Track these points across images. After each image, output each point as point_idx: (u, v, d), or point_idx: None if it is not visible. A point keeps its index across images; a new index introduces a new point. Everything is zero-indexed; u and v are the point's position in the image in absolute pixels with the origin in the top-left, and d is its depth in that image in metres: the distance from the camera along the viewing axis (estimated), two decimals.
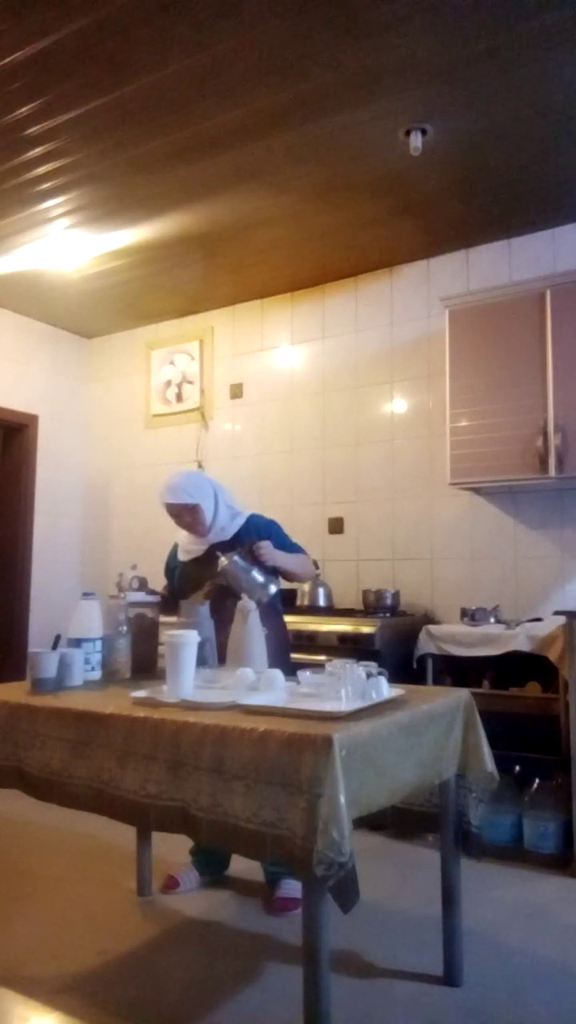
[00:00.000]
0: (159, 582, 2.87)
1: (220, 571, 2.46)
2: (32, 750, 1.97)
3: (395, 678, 2.09)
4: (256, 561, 2.52)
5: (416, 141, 2.98)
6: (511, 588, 3.75)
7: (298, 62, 2.58)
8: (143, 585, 2.68)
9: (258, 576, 2.46)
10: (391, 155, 3.14)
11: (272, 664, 2.21)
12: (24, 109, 2.83)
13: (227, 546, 2.62)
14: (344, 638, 3.57)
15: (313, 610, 3.93)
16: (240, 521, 2.72)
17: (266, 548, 2.55)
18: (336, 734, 1.54)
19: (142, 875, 2.77)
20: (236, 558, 2.46)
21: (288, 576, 2.72)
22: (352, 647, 3.46)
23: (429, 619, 3.87)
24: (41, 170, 3.23)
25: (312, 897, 1.56)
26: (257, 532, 2.69)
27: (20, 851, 3.22)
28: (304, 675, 1.98)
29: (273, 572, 2.60)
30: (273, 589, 2.49)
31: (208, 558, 2.60)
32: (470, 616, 3.47)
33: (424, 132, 2.97)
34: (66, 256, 4.07)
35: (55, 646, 2.22)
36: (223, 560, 2.45)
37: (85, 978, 2.20)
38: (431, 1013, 2.01)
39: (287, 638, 2.83)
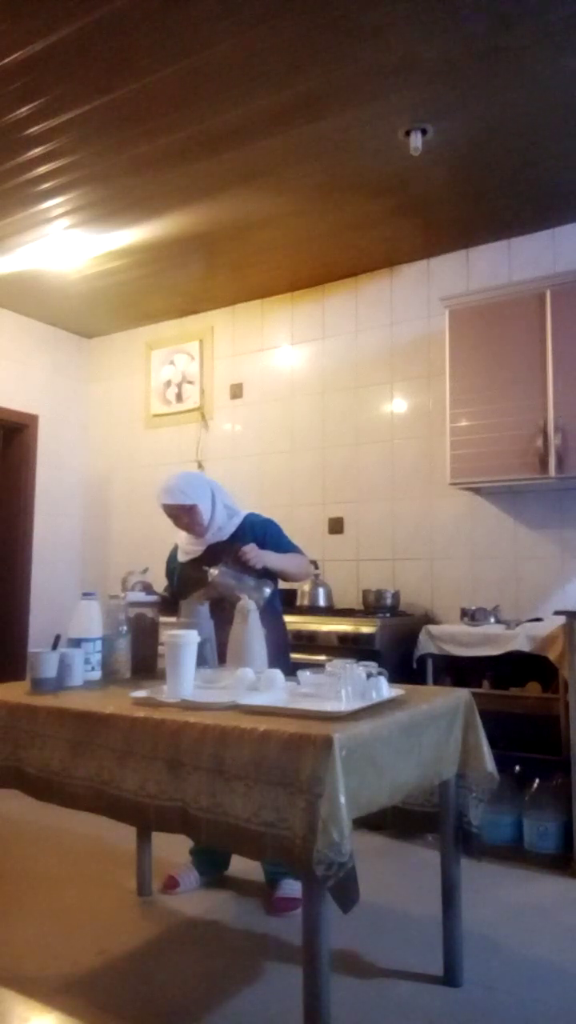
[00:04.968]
0: (160, 583, 2.86)
1: (211, 584, 2.43)
2: (32, 750, 1.97)
3: (395, 678, 2.09)
4: (246, 567, 2.49)
5: (416, 141, 2.98)
6: (511, 588, 3.75)
7: (298, 62, 2.58)
8: (147, 589, 2.67)
9: (250, 581, 2.43)
10: (391, 155, 3.14)
11: (272, 664, 2.21)
12: (24, 109, 2.84)
13: (224, 546, 2.62)
14: (344, 638, 3.57)
15: (313, 610, 3.92)
16: (237, 521, 2.71)
17: (251, 551, 2.51)
18: (336, 734, 1.54)
19: (142, 875, 2.77)
20: (224, 568, 2.43)
21: (282, 575, 2.69)
22: (352, 647, 3.46)
23: (429, 619, 3.87)
24: (41, 170, 3.23)
25: (312, 897, 1.56)
26: (253, 531, 2.69)
27: (20, 851, 3.22)
28: (304, 675, 1.98)
29: (266, 573, 2.58)
30: (268, 591, 2.43)
31: (207, 560, 2.59)
32: (470, 616, 3.47)
33: (424, 132, 2.97)
34: (66, 256, 4.07)
35: (55, 646, 2.22)
36: (212, 572, 2.41)
37: (85, 978, 2.20)
38: (431, 1013, 2.01)
39: (287, 638, 2.83)
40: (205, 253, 4.07)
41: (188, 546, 2.76)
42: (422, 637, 3.45)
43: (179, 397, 5.01)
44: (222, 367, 4.86)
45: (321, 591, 4.02)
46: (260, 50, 2.53)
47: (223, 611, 2.40)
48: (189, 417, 4.95)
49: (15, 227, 3.75)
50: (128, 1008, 2.05)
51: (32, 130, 2.96)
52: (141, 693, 1.96)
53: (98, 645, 2.26)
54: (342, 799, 1.49)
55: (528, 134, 3.01)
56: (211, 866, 2.87)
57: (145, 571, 2.75)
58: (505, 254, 3.91)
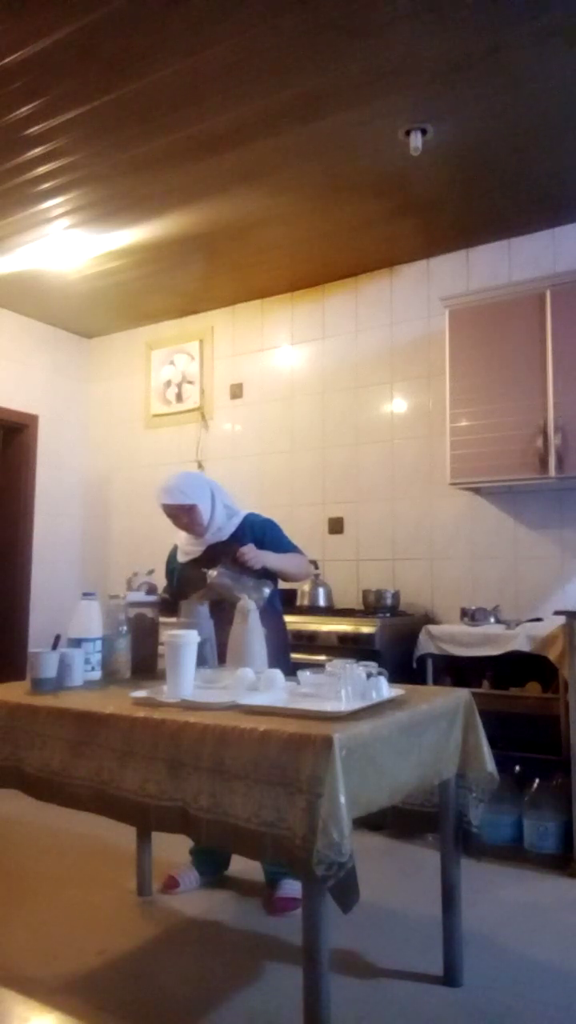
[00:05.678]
0: (160, 584, 2.86)
1: (209, 586, 2.43)
2: (32, 750, 1.97)
3: (395, 678, 2.09)
4: (245, 567, 2.49)
5: (416, 141, 2.98)
6: (511, 588, 3.75)
7: (298, 62, 2.58)
8: (152, 591, 2.66)
9: (249, 582, 2.43)
10: (391, 155, 3.14)
11: (272, 664, 2.21)
12: (24, 109, 2.83)
13: (224, 546, 2.62)
14: (344, 638, 3.57)
15: (313, 610, 3.92)
16: (237, 521, 2.71)
17: (249, 552, 2.51)
18: (336, 734, 1.54)
19: (142, 875, 2.77)
20: (223, 570, 2.43)
21: (281, 575, 2.69)
22: (352, 647, 3.46)
23: (429, 619, 3.87)
24: (41, 170, 3.23)
25: (312, 897, 1.56)
26: (253, 531, 2.69)
27: (20, 851, 3.22)
28: (304, 675, 1.98)
29: (266, 573, 2.58)
30: (267, 591, 2.43)
31: (206, 560, 2.59)
32: (470, 616, 3.47)
33: (424, 132, 2.97)
34: (66, 256, 4.07)
35: (55, 646, 2.22)
36: (211, 574, 2.41)
37: (85, 978, 2.20)
38: (431, 1013, 2.01)
39: (287, 638, 2.83)
40: (205, 253, 4.07)
41: (188, 546, 2.75)
42: (422, 637, 3.45)
43: (179, 397, 5.01)
44: (222, 367, 4.86)
45: (321, 591, 4.02)
46: (260, 50, 2.53)
47: (223, 611, 2.40)
48: (189, 417, 4.95)
49: (15, 227, 3.74)
50: (128, 1008, 2.05)
51: (32, 130, 2.96)
52: (141, 693, 1.96)
53: (98, 645, 2.26)
54: (342, 799, 1.49)
55: (528, 134, 3.00)
56: (211, 866, 2.87)
57: (151, 572, 2.75)
58: (505, 254, 3.91)
